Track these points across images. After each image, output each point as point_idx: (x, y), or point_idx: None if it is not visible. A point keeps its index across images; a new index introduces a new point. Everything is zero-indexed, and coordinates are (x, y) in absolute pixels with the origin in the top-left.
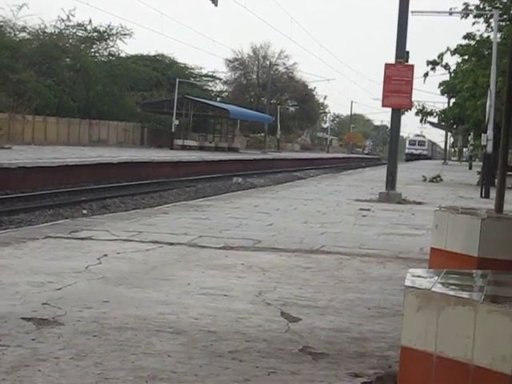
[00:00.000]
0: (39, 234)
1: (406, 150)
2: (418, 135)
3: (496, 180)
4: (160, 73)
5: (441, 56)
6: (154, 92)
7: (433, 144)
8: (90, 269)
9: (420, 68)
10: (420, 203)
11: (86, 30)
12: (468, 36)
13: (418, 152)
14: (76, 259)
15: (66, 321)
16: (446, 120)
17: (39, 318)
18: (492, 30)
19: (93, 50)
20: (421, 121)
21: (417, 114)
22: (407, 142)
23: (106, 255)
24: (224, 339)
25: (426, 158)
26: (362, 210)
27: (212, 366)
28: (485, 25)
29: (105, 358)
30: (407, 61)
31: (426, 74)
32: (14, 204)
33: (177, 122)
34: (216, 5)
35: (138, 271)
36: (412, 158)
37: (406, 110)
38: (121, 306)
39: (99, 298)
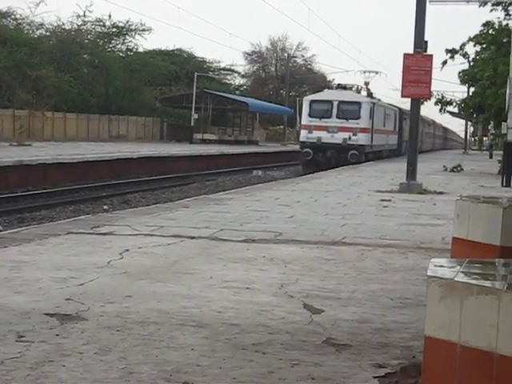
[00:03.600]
0: (61, 229)
1: (302, 135)
2: (340, 86)
3: None
4: (178, 67)
5: (463, 46)
6: (172, 86)
7: (401, 112)
8: (112, 264)
9: (438, 56)
10: (441, 193)
11: (104, 25)
12: (487, 24)
13: (339, 140)
14: (98, 254)
15: (89, 316)
16: (466, 109)
17: (62, 314)
18: (510, 18)
19: (111, 46)
20: (440, 110)
21: (436, 103)
22: (305, 105)
23: (127, 250)
24: (247, 332)
25: (371, 156)
26: (382, 200)
27: (235, 358)
28: (503, 13)
29: (128, 352)
30: (426, 51)
31: (445, 62)
32: (36, 200)
33: (196, 116)
34: None
35: (159, 265)
36: (316, 157)
37: (426, 100)
38: (143, 301)
39: (122, 293)
